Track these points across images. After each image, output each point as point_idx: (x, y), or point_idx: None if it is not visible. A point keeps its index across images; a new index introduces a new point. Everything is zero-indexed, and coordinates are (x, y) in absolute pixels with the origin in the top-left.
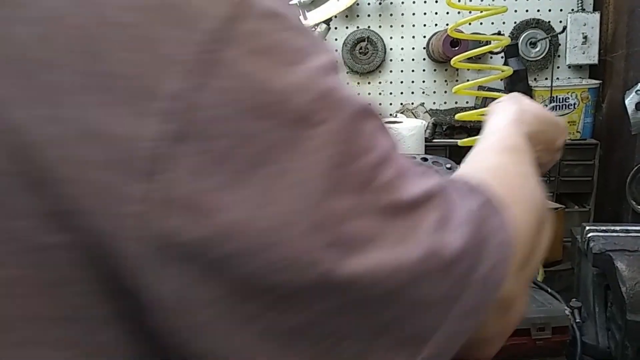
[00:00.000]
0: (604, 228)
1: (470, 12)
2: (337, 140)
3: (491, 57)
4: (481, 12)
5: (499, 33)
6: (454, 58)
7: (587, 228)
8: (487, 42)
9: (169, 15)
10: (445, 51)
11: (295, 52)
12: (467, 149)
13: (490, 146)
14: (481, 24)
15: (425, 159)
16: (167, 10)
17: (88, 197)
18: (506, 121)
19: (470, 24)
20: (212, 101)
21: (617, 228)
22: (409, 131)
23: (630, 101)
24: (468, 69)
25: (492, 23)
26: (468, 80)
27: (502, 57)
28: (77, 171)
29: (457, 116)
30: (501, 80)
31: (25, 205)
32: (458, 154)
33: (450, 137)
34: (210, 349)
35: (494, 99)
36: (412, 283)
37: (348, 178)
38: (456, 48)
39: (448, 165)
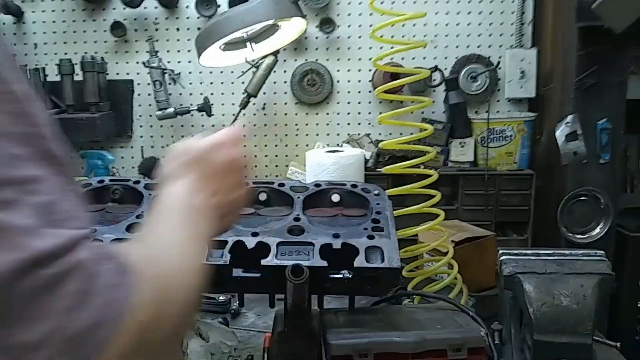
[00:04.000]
0: (516, 252)
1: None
2: None
3: (433, 91)
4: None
5: (436, 68)
6: (377, 89)
7: (500, 252)
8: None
9: None
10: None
11: None
12: (406, 176)
13: (160, 213)
14: (424, 58)
15: (354, 186)
16: None
17: None
18: (181, 185)
19: (414, 58)
20: None
21: (529, 252)
22: (349, 160)
23: (560, 133)
24: (391, 101)
25: (435, 57)
26: (412, 113)
27: (444, 91)
28: None
29: (381, 144)
30: (443, 112)
31: None
32: (400, 182)
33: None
34: None
35: (422, 129)
36: None
37: None
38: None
39: (376, 192)
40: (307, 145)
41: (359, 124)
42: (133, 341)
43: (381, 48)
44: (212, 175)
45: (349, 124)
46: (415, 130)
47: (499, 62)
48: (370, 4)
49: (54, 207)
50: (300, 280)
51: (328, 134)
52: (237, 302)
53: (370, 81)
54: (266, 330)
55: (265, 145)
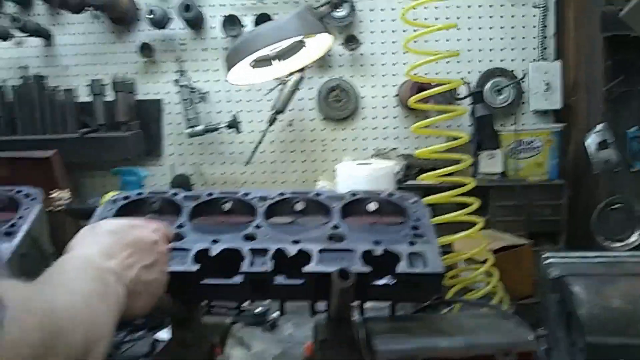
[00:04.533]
0: (562, 255)
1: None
2: None
3: (459, 104)
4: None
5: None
6: (409, 99)
7: (545, 255)
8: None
9: None
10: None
11: None
12: (436, 188)
13: (60, 265)
14: (448, 73)
15: (391, 194)
16: None
17: None
18: (93, 248)
19: (438, 73)
20: None
21: (575, 254)
22: (380, 171)
23: (590, 142)
24: (416, 115)
25: (459, 72)
26: (438, 127)
27: (469, 104)
28: None
29: (417, 152)
30: (469, 125)
31: None
32: (429, 194)
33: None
34: None
35: (455, 138)
36: None
37: None
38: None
39: (413, 200)
40: (333, 160)
41: (385, 138)
42: None
43: (404, 64)
44: (126, 246)
45: (375, 138)
46: (444, 141)
47: (524, 75)
48: (402, 16)
49: None
50: (347, 283)
51: (355, 149)
52: (273, 313)
53: (395, 96)
54: (306, 341)
55: (293, 161)
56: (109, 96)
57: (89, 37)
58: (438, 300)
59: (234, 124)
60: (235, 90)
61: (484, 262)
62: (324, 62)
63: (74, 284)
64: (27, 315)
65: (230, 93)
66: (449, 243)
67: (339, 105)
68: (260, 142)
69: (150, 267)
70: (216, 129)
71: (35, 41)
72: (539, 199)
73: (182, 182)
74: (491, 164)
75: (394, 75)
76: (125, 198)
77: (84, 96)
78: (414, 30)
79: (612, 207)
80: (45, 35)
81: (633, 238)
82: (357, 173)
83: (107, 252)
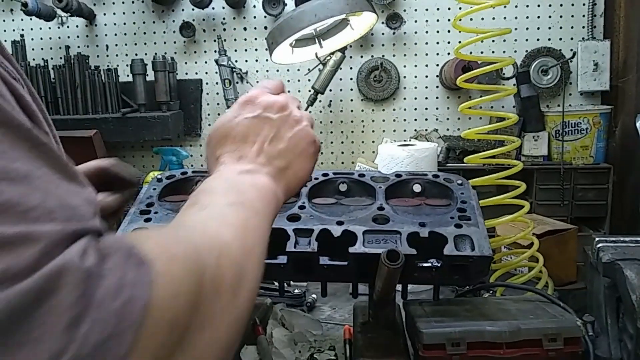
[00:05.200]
0: (613, 239)
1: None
2: None
3: (503, 84)
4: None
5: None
6: (459, 78)
7: (597, 239)
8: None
9: None
10: (457, 77)
11: None
12: (479, 170)
13: (197, 194)
14: (492, 52)
15: (436, 176)
16: None
17: None
18: (242, 164)
19: (482, 52)
20: None
21: (627, 239)
22: (422, 153)
23: None
24: (480, 96)
25: (504, 52)
26: (481, 108)
27: (514, 85)
28: None
29: (463, 133)
30: (513, 106)
31: None
32: (471, 177)
33: (463, 162)
34: None
35: (502, 118)
36: None
37: None
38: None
39: (459, 182)
40: (373, 141)
41: (426, 119)
42: (165, 344)
43: (448, 43)
44: (245, 129)
45: (415, 119)
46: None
47: (574, 54)
48: None
49: (23, 200)
50: (396, 265)
51: (394, 130)
52: (312, 295)
53: (437, 76)
54: (344, 323)
55: (332, 142)
56: (150, 76)
57: (130, 17)
58: (481, 284)
59: None
60: (275, 70)
61: (529, 246)
62: (365, 41)
63: (213, 211)
64: (173, 263)
65: (270, 73)
66: (491, 227)
67: (380, 85)
68: None
69: (284, 123)
70: None
71: (78, 21)
72: (584, 182)
73: None
74: (536, 146)
75: (437, 54)
76: (170, 177)
77: (124, 76)
78: (459, 9)
79: None
80: (87, 15)
81: None
82: (399, 154)
83: (234, 155)
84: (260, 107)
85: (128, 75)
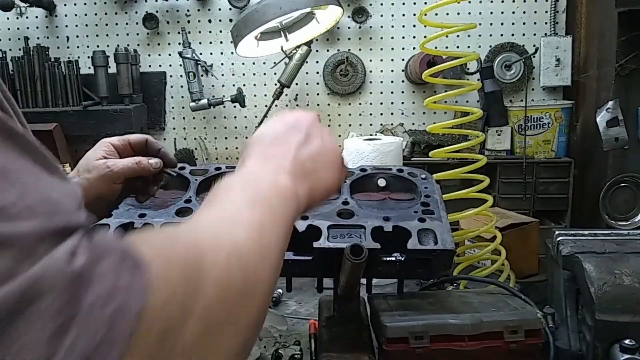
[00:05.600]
0: (572, 232)
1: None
2: None
3: (467, 79)
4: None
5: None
6: (424, 72)
7: (557, 232)
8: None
9: None
10: (423, 71)
11: None
12: (443, 165)
13: (217, 193)
14: (457, 47)
15: (400, 170)
16: None
17: None
18: (269, 166)
19: (447, 47)
20: None
21: (586, 232)
22: (388, 147)
23: (601, 119)
24: (445, 90)
25: (468, 47)
26: (446, 102)
27: (477, 80)
28: None
29: (428, 128)
30: (477, 101)
31: None
32: (436, 171)
33: (427, 156)
34: None
35: (467, 113)
36: None
37: None
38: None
39: (423, 176)
40: (339, 135)
41: (392, 113)
42: (161, 352)
43: (414, 37)
44: (275, 134)
45: (381, 114)
46: (452, 118)
47: (536, 50)
48: None
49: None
50: (359, 259)
51: (361, 124)
52: (278, 290)
53: (403, 70)
54: (310, 317)
55: None
56: (112, 68)
57: (92, 8)
58: (445, 277)
59: (238, 98)
60: (240, 63)
61: (492, 239)
62: (331, 35)
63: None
64: (171, 266)
65: (235, 66)
66: (455, 221)
67: (346, 79)
68: (265, 117)
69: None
70: (220, 103)
71: (37, 11)
72: (545, 176)
73: (185, 156)
74: (499, 140)
75: (402, 49)
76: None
77: (86, 68)
78: (425, 3)
79: (619, 185)
80: (47, 5)
81: (639, 217)
82: (364, 148)
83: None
84: (294, 116)
85: (90, 68)
